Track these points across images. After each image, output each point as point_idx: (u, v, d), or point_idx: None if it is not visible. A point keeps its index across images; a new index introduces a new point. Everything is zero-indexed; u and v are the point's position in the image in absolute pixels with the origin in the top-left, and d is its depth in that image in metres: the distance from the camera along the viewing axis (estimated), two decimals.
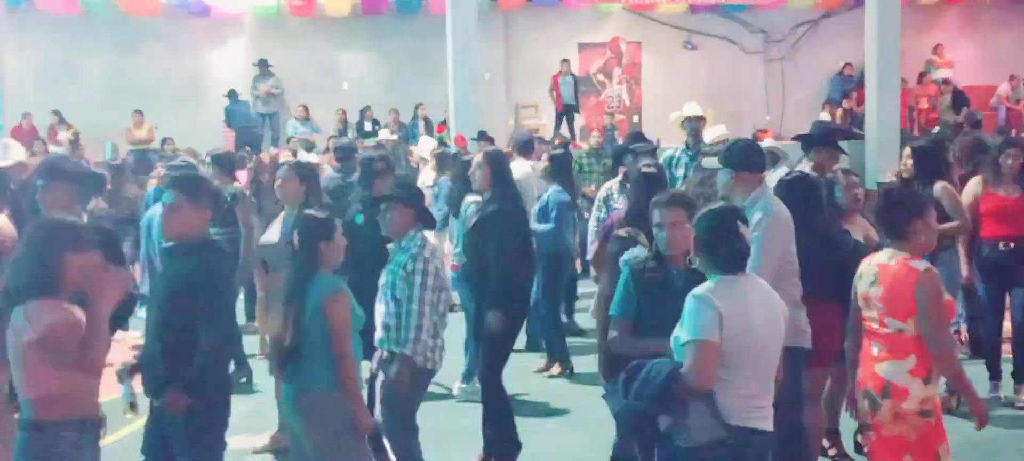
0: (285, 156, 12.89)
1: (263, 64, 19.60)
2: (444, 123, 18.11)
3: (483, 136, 13.90)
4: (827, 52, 21.37)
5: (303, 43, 20.43)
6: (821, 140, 7.12)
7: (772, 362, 4.00)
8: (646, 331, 4.40)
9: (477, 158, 6.75)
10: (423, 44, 19.47)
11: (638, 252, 4.65)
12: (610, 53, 21.92)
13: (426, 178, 11.38)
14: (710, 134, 9.30)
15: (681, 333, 3.90)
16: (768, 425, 3.97)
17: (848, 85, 20.66)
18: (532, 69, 20.70)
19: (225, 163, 8.51)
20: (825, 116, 20.24)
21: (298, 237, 4.71)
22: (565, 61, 20.11)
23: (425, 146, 13.41)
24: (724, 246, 3.94)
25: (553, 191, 8.77)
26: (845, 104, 20.18)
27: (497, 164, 6.53)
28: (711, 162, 6.09)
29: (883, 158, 15.23)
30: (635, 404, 3.89)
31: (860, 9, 17.67)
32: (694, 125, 9.01)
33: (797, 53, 21.86)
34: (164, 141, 17.87)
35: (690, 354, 3.83)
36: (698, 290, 3.93)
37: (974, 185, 7.45)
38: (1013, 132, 19.40)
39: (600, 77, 21.95)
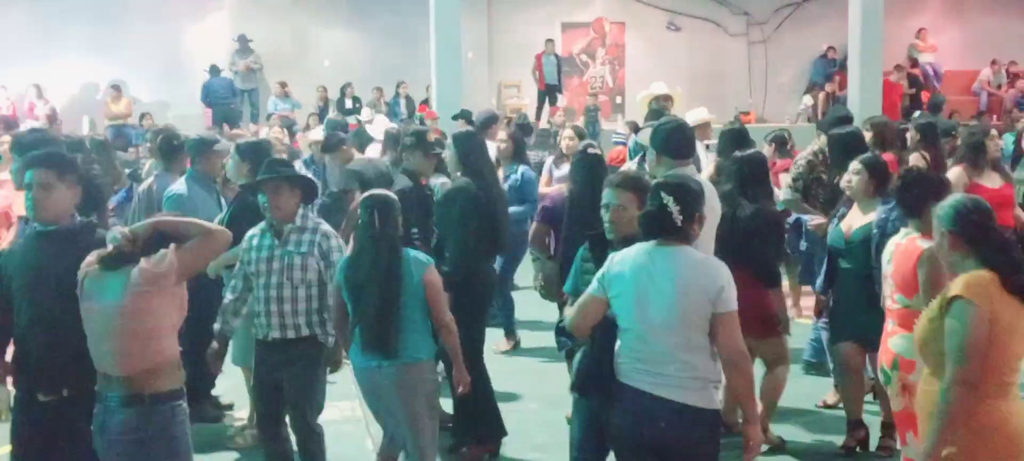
0: (271, 132, 12.64)
1: (242, 40, 19.45)
2: (426, 102, 18.03)
3: (464, 115, 13.80)
4: (810, 35, 21.38)
5: (284, 19, 20.26)
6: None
7: (673, 329, 3.93)
8: None
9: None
10: (405, 21, 19.36)
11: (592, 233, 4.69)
12: (594, 33, 21.86)
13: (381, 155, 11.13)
14: (692, 117, 9.20)
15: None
16: (672, 394, 3.91)
17: (831, 68, 20.69)
18: (515, 48, 20.64)
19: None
20: (808, 100, 20.29)
21: (379, 217, 4.81)
22: (549, 41, 20.06)
23: (380, 125, 12.86)
24: (644, 212, 4.07)
25: (524, 170, 8.71)
26: (828, 87, 20.20)
27: (461, 145, 6.39)
28: (644, 137, 6.14)
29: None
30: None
31: None
32: (660, 105, 8.87)
33: (780, 36, 21.86)
34: (142, 116, 17.71)
35: (579, 300, 4.21)
36: (619, 251, 4.15)
37: (958, 175, 7.09)
38: (994, 117, 19.52)
39: (583, 57, 21.90)
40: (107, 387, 3.94)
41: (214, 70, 18.89)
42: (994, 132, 7.55)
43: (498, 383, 6.37)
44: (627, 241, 4.22)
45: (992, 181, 7.20)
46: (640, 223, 4.07)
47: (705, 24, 21.69)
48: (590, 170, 5.96)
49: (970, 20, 22.23)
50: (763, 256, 5.91)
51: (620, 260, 4.04)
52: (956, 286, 3.70)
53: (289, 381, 5.07)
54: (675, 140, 5.25)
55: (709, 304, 3.89)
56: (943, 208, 3.82)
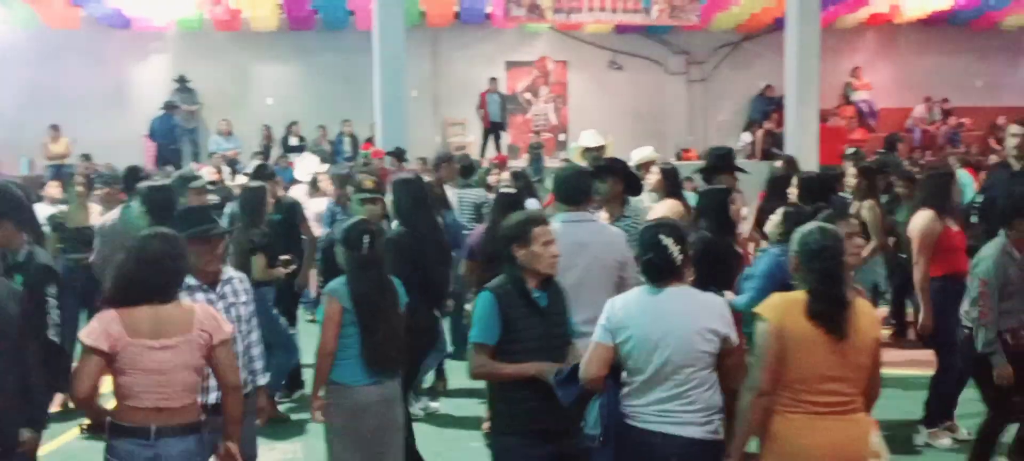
0: (207, 172, 12.62)
1: (181, 81, 19.33)
2: (370, 140, 18.03)
3: (398, 152, 13.80)
4: (748, 74, 21.77)
5: (227, 57, 20.19)
6: (721, 167, 7.35)
7: (680, 368, 4.09)
8: (515, 354, 4.39)
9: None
10: (349, 59, 19.38)
11: (500, 279, 4.53)
12: (537, 72, 22.07)
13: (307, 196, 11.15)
14: (637, 155, 9.38)
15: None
16: (682, 431, 4.07)
17: (769, 106, 21.05)
18: (460, 87, 20.76)
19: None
20: (747, 137, 20.65)
21: (374, 242, 5.08)
22: (493, 79, 20.20)
23: (307, 165, 12.68)
24: (646, 257, 4.19)
25: (445, 214, 8.62)
26: (766, 125, 20.56)
27: (396, 193, 6.47)
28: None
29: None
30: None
31: (780, 32, 18.02)
32: (594, 155, 9.00)
33: (719, 74, 22.25)
34: (81, 157, 17.50)
35: (586, 352, 4.23)
36: (617, 296, 4.29)
37: (930, 222, 6.87)
38: (928, 154, 20.01)
39: (527, 95, 22.08)
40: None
41: (169, 105, 18.75)
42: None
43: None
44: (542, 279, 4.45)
45: (953, 225, 7.02)
46: (644, 269, 4.22)
47: (646, 63, 22.00)
48: (505, 209, 6.09)
49: (903, 58, 22.80)
50: (705, 285, 6.01)
51: (623, 306, 4.19)
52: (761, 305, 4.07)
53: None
54: (568, 187, 5.42)
55: (719, 340, 4.12)
56: (795, 234, 4.13)
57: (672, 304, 4.14)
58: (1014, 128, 7.72)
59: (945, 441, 6.91)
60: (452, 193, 9.64)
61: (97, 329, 3.96)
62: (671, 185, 7.63)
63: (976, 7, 21.22)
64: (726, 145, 8.43)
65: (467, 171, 10.54)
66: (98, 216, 8.45)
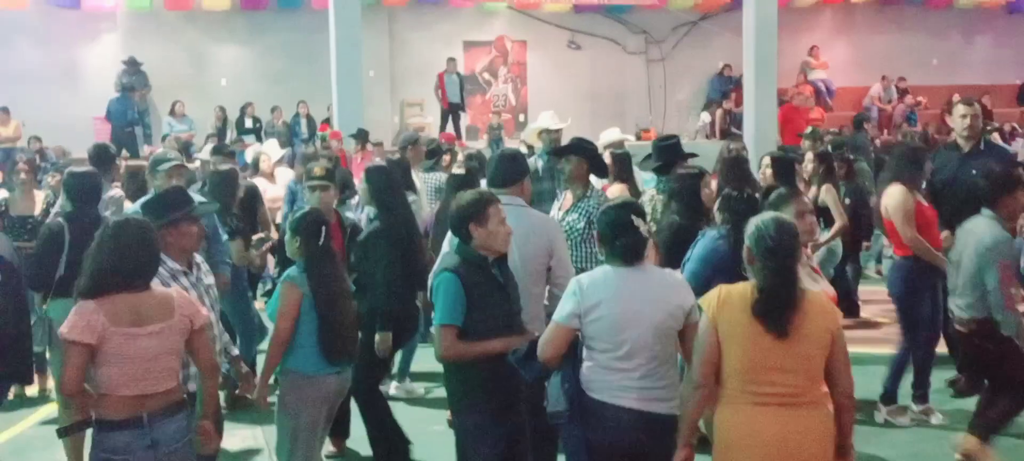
0: (161, 153, 12.32)
1: (132, 62, 18.94)
2: (327, 121, 17.84)
3: (361, 134, 13.68)
4: (707, 53, 21.80)
5: (179, 38, 19.87)
6: (672, 160, 7.21)
7: (648, 346, 4.14)
8: (480, 333, 4.43)
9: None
10: (305, 39, 19.16)
11: (456, 259, 4.54)
12: (495, 52, 21.95)
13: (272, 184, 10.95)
14: (606, 136, 9.39)
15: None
16: (653, 406, 4.13)
17: (727, 86, 21.10)
18: (417, 67, 20.59)
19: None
20: (706, 116, 20.69)
21: (327, 233, 5.08)
22: (451, 60, 20.05)
23: (273, 150, 12.22)
24: (619, 238, 4.18)
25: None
26: (725, 104, 20.61)
27: (374, 180, 6.39)
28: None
29: (760, 155, 15.54)
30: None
31: (738, 11, 18.03)
32: (552, 137, 8.95)
33: (678, 54, 22.25)
34: (31, 139, 17.15)
35: (547, 331, 4.25)
36: (576, 278, 4.28)
37: (903, 196, 6.79)
38: (885, 132, 20.16)
39: (486, 76, 21.96)
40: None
41: (127, 87, 18.39)
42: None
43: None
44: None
45: (922, 199, 6.99)
46: (621, 251, 4.18)
47: (605, 43, 21.95)
48: (457, 190, 6.04)
49: (860, 37, 22.94)
50: (673, 268, 6.00)
51: (590, 286, 4.18)
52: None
53: None
54: (499, 169, 5.40)
55: (683, 317, 4.18)
56: (751, 223, 3.98)
57: (641, 284, 4.18)
58: (961, 108, 7.65)
59: (904, 420, 6.92)
60: (418, 177, 9.55)
61: (79, 323, 3.89)
62: (621, 169, 7.59)
63: None
64: (672, 134, 8.35)
65: (433, 154, 10.46)
66: (42, 203, 8.26)
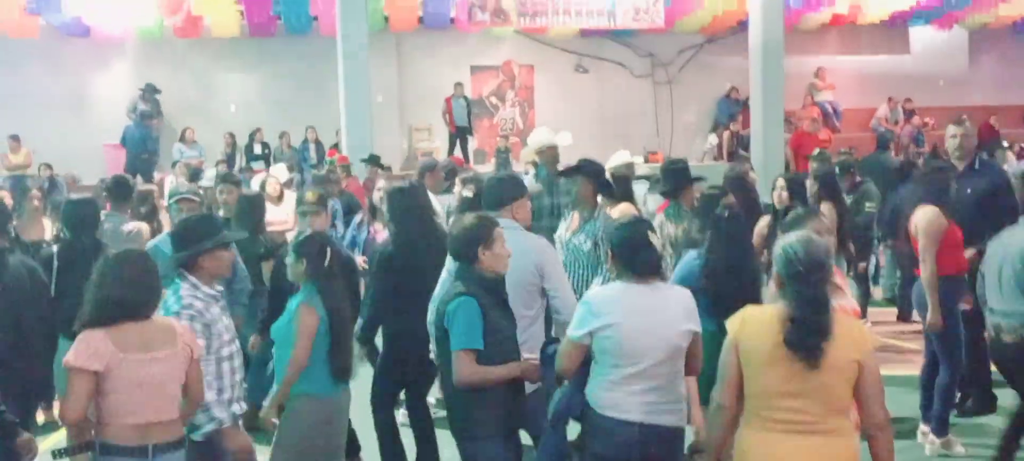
0: (172, 180, 12.45)
1: (149, 89, 19.08)
2: (335, 146, 17.91)
3: (373, 160, 13.73)
4: (713, 76, 21.84)
5: (188, 64, 19.98)
6: (681, 184, 7.27)
7: (661, 362, 4.19)
8: (496, 357, 4.44)
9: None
10: (313, 66, 19.26)
11: (465, 283, 4.50)
12: (503, 76, 22.02)
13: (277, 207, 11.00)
14: (616, 159, 9.43)
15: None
16: (661, 419, 4.19)
17: (735, 108, 21.13)
18: (425, 92, 20.67)
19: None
20: (713, 139, 20.71)
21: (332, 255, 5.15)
22: (458, 84, 20.14)
23: (281, 173, 12.34)
24: (636, 254, 4.25)
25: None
26: (732, 127, 20.63)
27: (393, 201, 6.41)
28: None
29: (768, 178, 15.55)
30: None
31: (744, 33, 18.08)
32: (550, 153, 8.87)
33: (684, 77, 22.29)
34: (41, 166, 17.25)
35: (562, 347, 4.31)
36: (588, 293, 4.40)
37: (936, 217, 6.62)
38: (891, 153, 20.13)
39: (493, 100, 22.02)
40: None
41: (145, 115, 18.47)
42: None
43: None
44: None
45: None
46: (637, 267, 4.22)
47: (612, 66, 22.01)
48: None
49: (866, 58, 22.96)
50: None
51: (605, 302, 4.21)
52: None
53: None
54: (490, 190, 5.50)
55: (691, 333, 4.25)
56: (778, 246, 3.84)
57: (655, 300, 4.22)
58: (951, 128, 7.55)
59: (959, 449, 6.63)
60: (437, 201, 9.58)
61: (85, 350, 3.93)
62: (623, 190, 7.65)
63: (937, 7, 21.40)
64: (680, 158, 8.39)
65: (450, 175, 10.51)
66: (53, 230, 8.34)
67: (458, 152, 19.39)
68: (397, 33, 20.47)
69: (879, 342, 3.80)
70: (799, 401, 3.67)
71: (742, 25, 18.88)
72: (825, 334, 3.62)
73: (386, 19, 19.36)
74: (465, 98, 20.19)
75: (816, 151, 12.22)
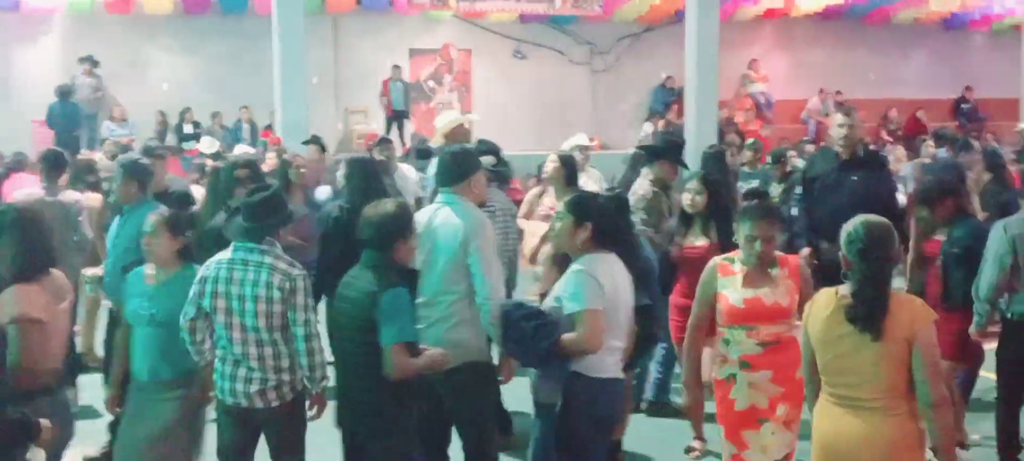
0: (100, 158, 12.23)
1: (90, 60, 18.64)
2: (269, 127, 17.73)
3: (315, 141, 13.52)
4: (650, 65, 22.00)
5: (120, 41, 19.57)
6: (664, 153, 7.37)
7: (627, 320, 4.72)
8: (418, 351, 4.44)
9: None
10: (249, 45, 19.03)
11: (391, 273, 4.42)
12: (441, 60, 21.96)
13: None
14: (572, 141, 9.70)
15: (567, 304, 4.44)
16: (620, 373, 4.72)
17: (669, 97, 21.33)
18: (362, 74, 20.54)
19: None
20: (648, 127, 20.88)
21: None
22: (396, 67, 20.04)
23: (208, 145, 12.53)
24: (619, 229, 4.79)
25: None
26: (667, 115, 20.82)
27: (353, 168, 6.75)
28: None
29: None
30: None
31: (681, 24, 18.24)
32: (459, 134, 8.94)
33: (621, 65, 22.43)
34: None
35: (583, 322, 4.40)
36: (578, 265, 4.51)
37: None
38: (822, 143, 20.48)
39: (431, 84, 21.95)
40: None
41: (63, 92, 18.01)
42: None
43: None
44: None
45: None
46: (610, 240, 4.62)
47: (550, 53, 22.07)
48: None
49: (798, 51, 23.33)
50: None
51: (603, 273, 4.52)
52: None
53: None
54: (448, 168, 5.18)
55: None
56: (845, 230, 4.03)
57: (620, 267, 4.66)
58: (839, 118, 7.64)
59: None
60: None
61: (29, 302, 4.11)
62: (569, 174, 7.67)
63: (870, 1, 21.82)
64: (681, 135, 8.55)
65: (424, 155, 10.44)
66: None
67: (395, 135, 19.30)
68: (334, 14, 20.30)
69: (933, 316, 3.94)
70: (857, 377, 3.89)
71: (678, 15, 19.05)
72: (883, 309, 3.83)
73: None
74: (403, 81, 20.11)
75: (750, 141, 12.37)
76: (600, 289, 4.41)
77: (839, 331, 3.89)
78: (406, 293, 4.30)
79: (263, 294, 4.49)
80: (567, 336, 4.41)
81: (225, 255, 4.64)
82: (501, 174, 6.98)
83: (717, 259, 4.99)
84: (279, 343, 4.55)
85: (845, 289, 3.94)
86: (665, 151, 7.45)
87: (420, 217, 4.91)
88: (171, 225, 4.87)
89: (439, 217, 4.97)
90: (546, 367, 4.49)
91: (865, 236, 3.91)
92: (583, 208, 4.62)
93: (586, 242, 4.54)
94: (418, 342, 4.41)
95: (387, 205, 4.52)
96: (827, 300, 4.00)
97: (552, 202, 7.43)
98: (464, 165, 5.15)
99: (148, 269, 4.93)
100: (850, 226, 3.99)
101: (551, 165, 7.52)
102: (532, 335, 4.41)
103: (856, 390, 3.89)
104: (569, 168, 7.48)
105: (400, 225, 4.42)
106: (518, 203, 7.92)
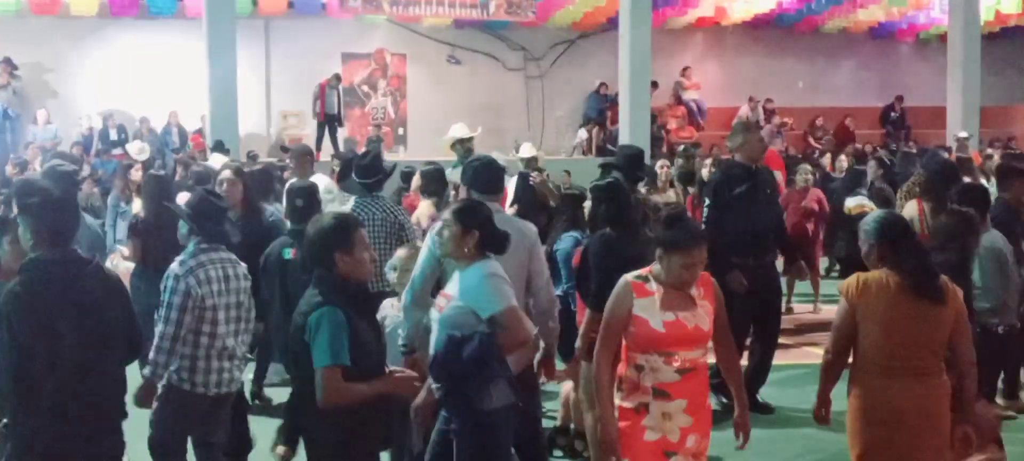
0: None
1: (8, 62, 18.15)
2: (199, 132, 17.46)
3: (220, 146, 13.31)
4: (584, 71, 22.08)
5: (44, 42, 19.06)
6: (624, 168, 7.33)
7: None
8: (362, 376, 4.01)
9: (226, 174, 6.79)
10: (178, 49, 18.69)
11: (323, 293, 4.06)
12: (375, 64, 21.80)
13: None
14: (524, 151, 10.48)
15: (486, 307, 4.37)
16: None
17: (603, 103, 21.43)
18: (295, 78, 20.27)
19: None
20: (582, 134, 20.98)
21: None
22: (336, 75, 19.79)
23: (138, 151, 12.31)
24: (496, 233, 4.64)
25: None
26: (601, 122, 20.93)
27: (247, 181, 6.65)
28: (454, 176, 7.04)
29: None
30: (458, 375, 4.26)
31: (615, 31, 18.36)
32: (466, 146, 9.22)
33: (556, 71, 22.48)
34: None
35: (508, 318, 4.39)
36: (485, 268, 4.47)
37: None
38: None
39: (365, 88, 21.79)
40: None
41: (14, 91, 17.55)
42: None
43: None
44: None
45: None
46: (489, 243, 4.58)
47: (484, 58, 22.03)
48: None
49: (729, 59, 23.63)
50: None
51: (502, 271, 4.59)
52: None
53: None
54: (483, 176, 5.33)
55: None
56: (869, 223, 4.59)
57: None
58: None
59: None
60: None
61: None
62: (435, 185, 7.83)
63: (799, 10, 22.17)
64: (639, 147, 8.59)
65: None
66: None
67: (327, 141, 19.09)
68: (266, 17, 20.05)
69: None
70: (911, 348, 4.38)
71: (612, 22, 19.16)
72: (937, 273, 4.43)
73: (255, 2, 18.95)
74: (338, 90, 19.84)
75: (682, 147, 12.48)
76: (509, 286, 4.49)
77: (905, 308, 4.34)
78: (335, 313, 3.92)
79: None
80: (502, 334, 4.36)
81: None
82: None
83: (628, 276, 4.41)
84: None
85: (880, 274, 4.40)
86: (621, 166, 7.44)
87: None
88: None
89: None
90: (490, 375, 4.29)
91: (899, 223, 4.59)
92: (469, 216, 4.58)
93: (473, 249, 4.50)
94: (361, 365, 4.00)
95: (323, 219, 4.23)
96: (883, 283, 4.37)
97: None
98: (500, 174, 5.55)
99: None
100: (877, 217, 4.61)
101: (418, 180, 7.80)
102: (475, 356, 4.19)
103: (912, 360, 4.36)
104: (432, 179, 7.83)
105: (335, 238, 4.04)
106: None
